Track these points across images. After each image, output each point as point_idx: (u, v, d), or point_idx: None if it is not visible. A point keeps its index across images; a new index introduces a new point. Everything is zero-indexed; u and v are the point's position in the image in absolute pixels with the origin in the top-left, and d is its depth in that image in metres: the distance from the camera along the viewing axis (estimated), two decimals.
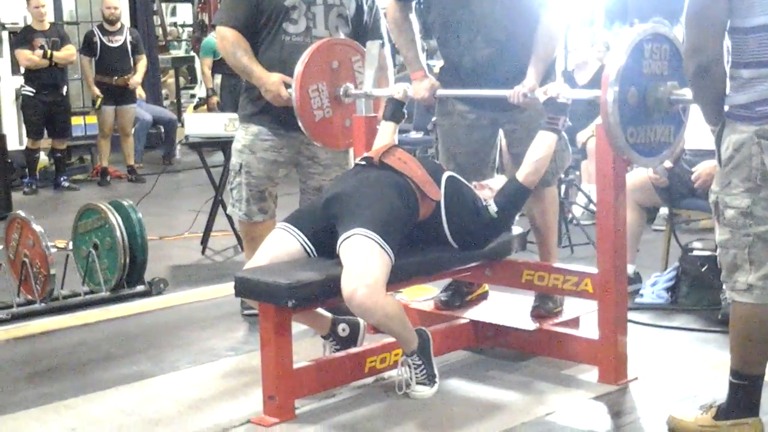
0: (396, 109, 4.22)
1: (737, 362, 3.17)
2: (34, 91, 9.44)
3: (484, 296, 4.47)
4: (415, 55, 4.32)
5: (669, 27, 3.87)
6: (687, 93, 3.46)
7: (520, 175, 3.87)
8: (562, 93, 3.83)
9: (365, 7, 4.73)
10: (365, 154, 3.98)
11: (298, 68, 4.33)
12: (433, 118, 5.15)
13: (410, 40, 4.32)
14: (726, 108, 3.06)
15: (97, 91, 9.89)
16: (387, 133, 4.17)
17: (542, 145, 3.86)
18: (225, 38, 4.62)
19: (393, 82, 4.60)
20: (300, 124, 4.39)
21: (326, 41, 4.47)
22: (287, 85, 4.42)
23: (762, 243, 3.03)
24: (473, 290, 4.44)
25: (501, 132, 4.30)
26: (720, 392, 3.30)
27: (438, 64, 6.04)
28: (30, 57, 9.37)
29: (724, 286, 3.23)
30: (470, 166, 4.24)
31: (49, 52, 9.35)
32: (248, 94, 4.71)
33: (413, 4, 4.32)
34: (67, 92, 9.76)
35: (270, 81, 4.48)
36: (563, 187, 6.53)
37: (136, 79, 10.20)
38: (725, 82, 3.05)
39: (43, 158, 10.07)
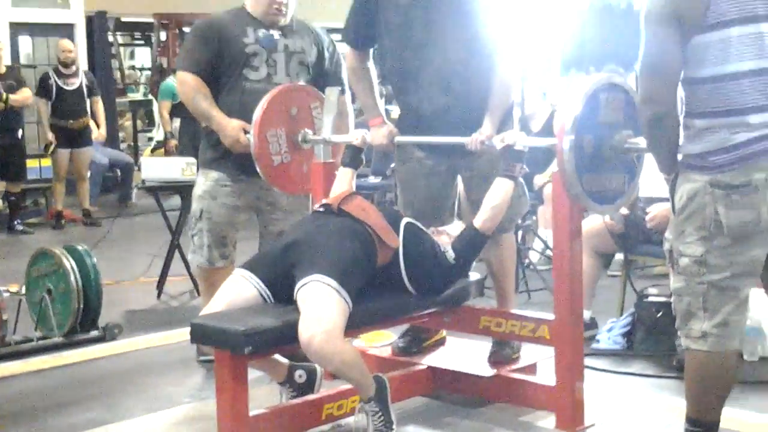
0: (354, 156, 4.24)
1: (692, 409, 3.17)
2: None
3: (441, 342, 4.47)
4: (373, 102, 4.34)
5: (624, 75, 3.93)
6: (641, 142, 3.50)
7: (477, 221, 3.90)
8: (518, 140, 3.86)
9: (326, 54, 4.76)
10: (324, 201, 3.98)
11: (257, 114, 4.33)
12: (392, 164, 5.17)
13: (368, 87, 4.35)
14: (680, 157, 3.10)
15: (51, 137, 9.83)
16: (345, 180, 4.18)
17: (499, 192, 3.88)
18: (185, 83, 4.62)
19: (353, 128, 4.62)
20: (258, 168, 4.39)
21: (285, 87, 4.49)
22: (246, 132, 4.43)
23: (716, 291, 3.04)
24: (430, 336, 4.43)
25: (459, 178, 4.33)
26: None
27: (396, 109, 6.08)
28: None
29: (678, 333, 3.24)
30: (428, 212, 4.25)
31: (4, 95, 9.28)
32: (208, 139, 4.71)
33: (371, 51, 4.35)
34: (22, 135, 9.69)
35: (229, 127, 4.48)
36: (520, 232, 6.56)
37: (102, 132, 10.26)
38: (678, 131, 3.08)
39: None
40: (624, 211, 4.95)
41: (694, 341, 3.10)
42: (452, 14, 4.03)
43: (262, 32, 4.62)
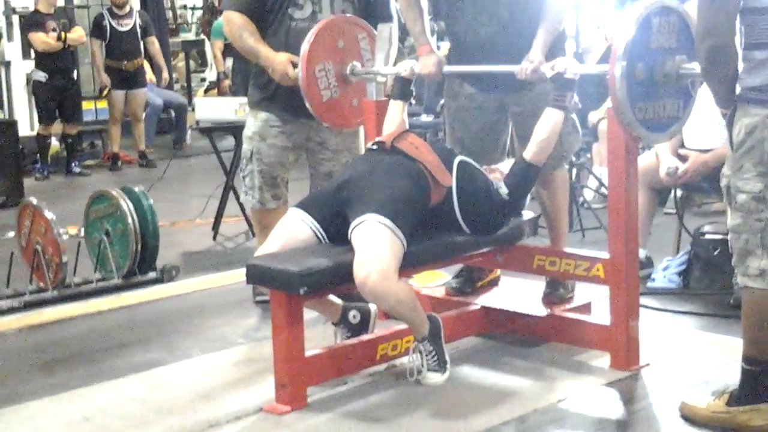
0: (404, 88, 4.20)
1: (750, 347, 3.15)
2: (46, 76, 9.44)
3: (495, 282, 4.46)
4: (422, 29, 4.27)
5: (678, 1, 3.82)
6: (695, 67, 3.43)
7: (527, 153, 3.84)
8: (570, 68, 3.78)
9: None
10: (377, 139, 3.97)
11: (304, 48, 4.29)
12: (442, 101, 5.12)
13: (418, 14, 4.28)
14: (738, 90, 3.03)
15: (105, 79, 9.88)
16: (396, 112, 4.14)
17: (549, 122, 3.82)
18: (231, 22, 4.59)
19: (393, 59, 4.55)
20: (307, 104, 4.36)
21: (331, 19, 4.43)
22: (294, 65, 4.40)
23: None
24: (484, 276, 4.43)
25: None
26: (733, 378, 3.29)
27: (445, 46, 6.03)
28: (45, 40, 9.34)
29: (735, 271, 3.21)
30: (478, 149, 4.22)
31: (63, 34, 9.35)
32: (256, 80, 4.70)
33: None
34: (78, 76, 9.76)
35: (277, 61, 4.45)
36: (574, 170, 6.50)
37: (165, 75, 10.30)
38: (737, 64, 3.02)
39: (54, 144, 10.06)
40: (681, 167, 4.85)
41: (752, 279, 3.07)
42: None
43: None
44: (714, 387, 3.38)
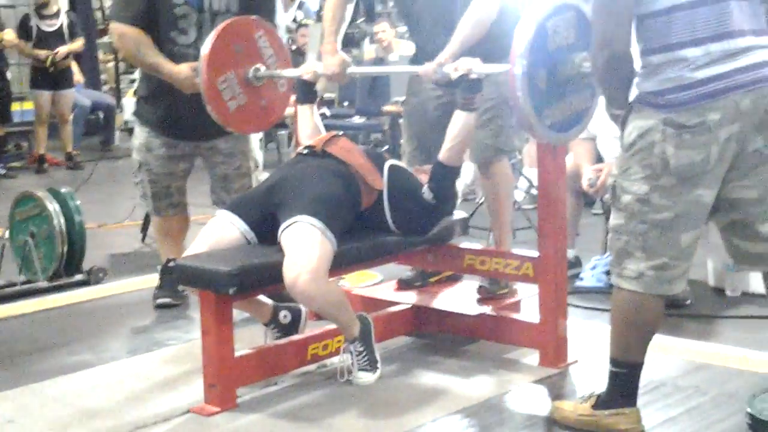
0: (306, 91, 4.18)
1: (617, 350, 3.14)
2: None
3: (454, 278, 4.45)
4: (335, 30, 4.22)
5: None
6: None
7: (441, 156, 3.81)
8: (473, 68, 3.71)
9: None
10: (308, 143, 3.95)
11: (201, 65, 4.12)
12: (402, 98, 5.10)
13: (340, 17, 4.25)
14: (636, 93, 3.03)
15: (42, 53, 9.60)
16: (307, 118, 4.13)
17: (458, 124, 3.76)
18: (125, 36, 4.47)
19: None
20: (214, 117, 4.22)
21: (223, 26, 4.22)
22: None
23: (657, 231, 2.97)
24: (437, 273, 4.41)
25: None
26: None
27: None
28: None
29: (610, 270, 3.16)
30: (432, 145, 4.19)
31: None
32: (136, 91, 4.67)
33: None
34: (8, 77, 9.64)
35: (182, 76, 4.37)
36: None
37: (61, 50, 9.76)
38: (633, 70, 3.02)
39: None
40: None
41: (627, 281, 3.04)
42: None
43: None
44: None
